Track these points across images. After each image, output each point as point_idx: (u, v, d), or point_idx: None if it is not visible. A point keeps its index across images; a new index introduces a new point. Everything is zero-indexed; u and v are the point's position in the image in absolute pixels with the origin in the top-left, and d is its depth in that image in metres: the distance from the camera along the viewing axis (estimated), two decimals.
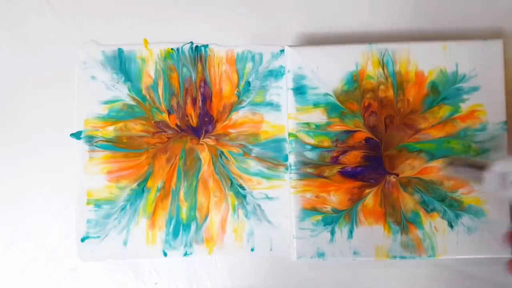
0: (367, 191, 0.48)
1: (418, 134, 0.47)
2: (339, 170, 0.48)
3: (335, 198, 0.48)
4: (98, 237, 0.48)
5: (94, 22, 0.50)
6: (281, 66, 0.49)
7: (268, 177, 0.49)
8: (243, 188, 0.48)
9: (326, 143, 0.48)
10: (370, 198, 0.48)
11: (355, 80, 0.48)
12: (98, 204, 0.48)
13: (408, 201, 0.47)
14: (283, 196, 0.48)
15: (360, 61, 0.48)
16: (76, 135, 0.49)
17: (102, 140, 0.49)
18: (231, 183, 0.49)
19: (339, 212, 0.47)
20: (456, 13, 0.49)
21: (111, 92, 0.49)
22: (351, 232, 0.47)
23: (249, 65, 0.49)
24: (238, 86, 0.49)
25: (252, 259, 0.49)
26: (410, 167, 0.48)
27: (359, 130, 0.48)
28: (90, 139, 0.49)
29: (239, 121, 0.49)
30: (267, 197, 0.48)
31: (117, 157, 0.49)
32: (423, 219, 0.47)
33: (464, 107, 0.47)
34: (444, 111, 0.47)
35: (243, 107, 0.49)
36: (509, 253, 0.46)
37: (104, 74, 0.49)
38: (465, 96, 0.47)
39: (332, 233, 0.47)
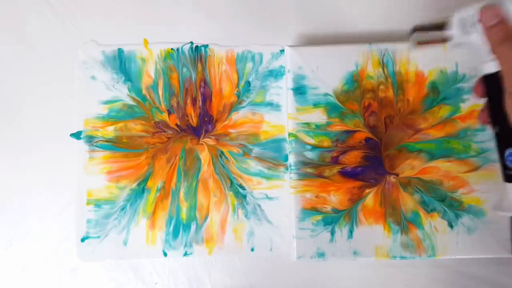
0: (367, 191, 0.48)
1: (418, 134, 0.47)
2: (339, 170, 0.48)
3: (335, 198, 0.48)
4: (98, 237, 0.48)
5: (94, 22, 0.50)
6: (281, 66, 0.49)
7: (268, 177, 0.49)
8: (243, 188, 0.48)
9: (326, 143, 0.48)
10: (370, 198, 0.48)
11: (355, 80, 0.48)
12: (98, 204, 0.49)
13: (408, 201, 0.47)
14: (283, 196, 0.48)
15: (360, 61, 0.48)
16: (76, 135, 0.49)
17: (102, 140, 0.49)
18: (231, 183, 0.49)
19: (339, 212, 0.47)
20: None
21: (111, 92, 0.49)
22: (351, 232, 0.47)
23: (249, 65, 0.49)
24: (238, 86, 0.49)
25: (252, 259, 0.49)
26: (410, 167, 0.48)
27: (359, 130, 0.48)
28: (90, 139, 0.49)
29: (239, 121, 0.49)
30: (267, 197, 0.48)
31: (117, 157, 0.49)
32: (423, 219, 0.47)
33: (464, 107, 0.47)
34: (444, 111, 0.47)
35: (243, 107, 0.49)
36: (509, 253, 0.46)
37: (104, 74, 0.49)
38: (465, 96, 0.47)
39: (332, 233, 0.47)
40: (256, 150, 0.49)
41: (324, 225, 0.47)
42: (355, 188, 0.48)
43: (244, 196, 0.48)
